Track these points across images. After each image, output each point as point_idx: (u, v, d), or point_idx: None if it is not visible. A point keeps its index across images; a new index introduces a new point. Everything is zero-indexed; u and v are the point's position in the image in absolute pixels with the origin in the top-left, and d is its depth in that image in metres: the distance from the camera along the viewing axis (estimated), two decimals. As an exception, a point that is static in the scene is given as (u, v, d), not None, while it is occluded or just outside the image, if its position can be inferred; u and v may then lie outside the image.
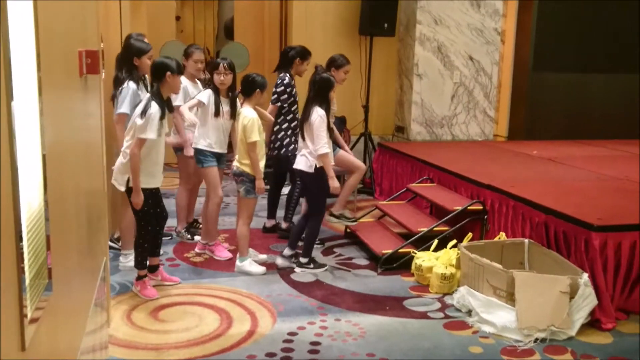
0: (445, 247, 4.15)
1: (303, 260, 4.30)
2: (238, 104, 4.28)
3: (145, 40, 4.16)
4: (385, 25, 6.75)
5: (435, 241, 4.29)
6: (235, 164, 4.18)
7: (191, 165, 4.54)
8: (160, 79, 3.59)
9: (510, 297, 3.41)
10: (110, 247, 4.16)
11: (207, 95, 4.23)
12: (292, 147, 4.84)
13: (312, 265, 4.29)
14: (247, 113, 4.07)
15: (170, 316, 3.51)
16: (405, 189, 5.34)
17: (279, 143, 4.86)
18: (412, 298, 3.84)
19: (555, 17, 7.07)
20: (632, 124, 7.35)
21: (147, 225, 3.73)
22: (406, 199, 5.32)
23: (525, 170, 5.26)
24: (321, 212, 4.35)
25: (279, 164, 5.01)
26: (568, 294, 3.34)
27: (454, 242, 4.16)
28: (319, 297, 3.81)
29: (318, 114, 4.09)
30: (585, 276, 3.41)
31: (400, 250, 4.35)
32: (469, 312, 3.57)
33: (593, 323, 3.44)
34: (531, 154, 6.02)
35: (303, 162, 4.20)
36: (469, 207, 4.51)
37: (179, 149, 4.62)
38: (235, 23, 8.50)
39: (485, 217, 4.50)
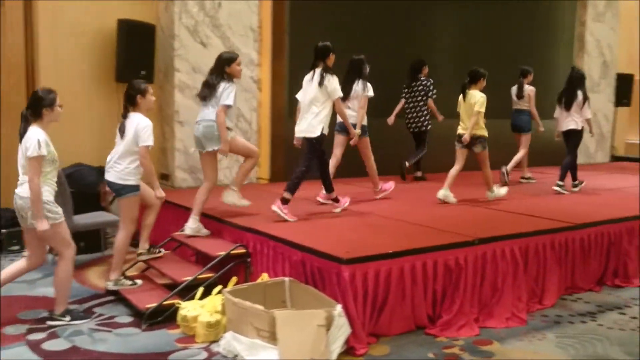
0: (211, 294, 4.14)
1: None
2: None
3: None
4: (143, 72, 6.66)
5: (201, 289, 4.26)
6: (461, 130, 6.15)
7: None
8: (325, 59, 5.43)
9: (273, 337, 3.50)
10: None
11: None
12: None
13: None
14: (476, 94, 6.06)
15: None
16: (169, 238, 5.23)
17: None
18: (178, 351, 3.73)
19: (306, 68, 7.62)
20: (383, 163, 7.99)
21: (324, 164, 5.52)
22: (171, 248, 5.21)
23: (286, 211, 5.52)
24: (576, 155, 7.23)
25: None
26: (325, 326, 3.54)
27: (219, 288, 4.17)
28: (75, 365, 3.50)
29: (585, 94, 7.12)
30: (339, 307, 3.66)
31: (165, 303, 4.22)
32: (235, 357, 3.59)
33: (348, 350, 3.69)
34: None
35: (573, 124, 7.05)
36: (232, 252, 4.57)
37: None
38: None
39: (249, 259, 4.60)
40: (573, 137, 7.13)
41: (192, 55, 6.96)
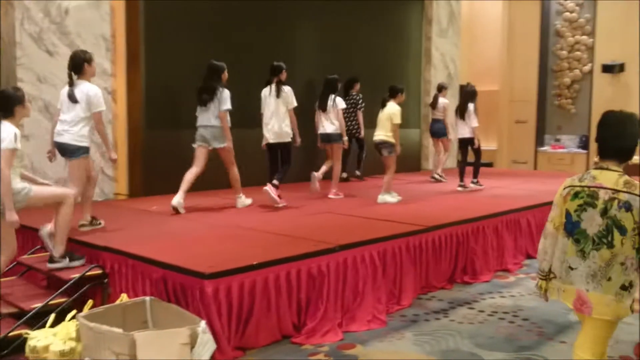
0: (64, 321, 3.87)
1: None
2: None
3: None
4: (-20, 82, 6.11)
5: (52, 316, 3.95)
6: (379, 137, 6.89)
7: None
8: (279, 74, 6.52)
9: (133, 361, 3.35)
10: None
11: None
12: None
13: None
14: (393, 107, 6.89)
15: None
16: (15, 262, 4.81)
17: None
18: (27, 385, 3.45)
19: (163, 76, 7.42)
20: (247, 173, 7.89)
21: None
22: (17, 273, 4.81)
23: (146, 227, 5.33)
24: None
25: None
26: (189, 344, 3.45)
27: (73, 313, 3.90)
28: None
29: (473, 106, 8.09)
30: (203, 323, 3.58)
31: (11, 334, 3.87)
32: (93, 386, 3.38)
33: (214, 367, 3.63)
34: (151, 210, 6.14)
35: (467, 132, 8.08)
36: (87, 273, 4.31)
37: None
38: None
39: (106, 280, 4.37)
40: (469, 144, 8.25)
41: (37, 64, 6.49)
